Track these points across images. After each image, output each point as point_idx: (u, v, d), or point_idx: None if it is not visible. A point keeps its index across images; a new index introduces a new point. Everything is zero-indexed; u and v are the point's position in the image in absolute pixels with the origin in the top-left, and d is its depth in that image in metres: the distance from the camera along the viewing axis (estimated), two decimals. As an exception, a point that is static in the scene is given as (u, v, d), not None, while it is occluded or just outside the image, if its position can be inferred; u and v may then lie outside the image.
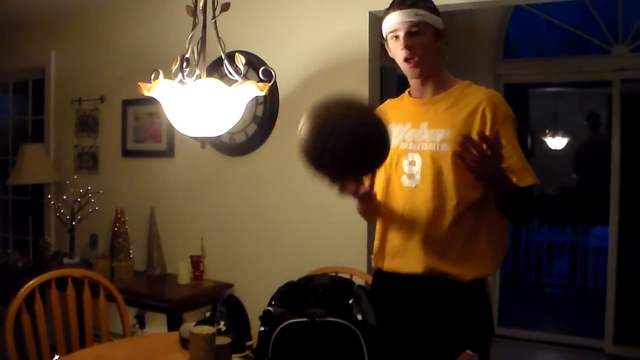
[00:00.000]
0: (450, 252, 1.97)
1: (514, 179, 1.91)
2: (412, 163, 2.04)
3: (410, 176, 2.04)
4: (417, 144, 2.05)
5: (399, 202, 2.07)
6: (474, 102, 2.00)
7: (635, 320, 5.02)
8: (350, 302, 1.91)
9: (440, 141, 1.99)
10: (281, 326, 1.85)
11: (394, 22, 2.02)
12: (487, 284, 2.04)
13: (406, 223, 2.05)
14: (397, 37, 2.03)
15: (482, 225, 1.99)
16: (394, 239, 2.10)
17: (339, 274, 2.54)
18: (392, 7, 2.04)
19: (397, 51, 2.05)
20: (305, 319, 1.84)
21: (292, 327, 1.84)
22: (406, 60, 2.03)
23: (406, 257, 2.04)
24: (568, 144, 7.15)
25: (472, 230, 1.98)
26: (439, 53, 2.07)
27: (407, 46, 2.00)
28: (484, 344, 2.00)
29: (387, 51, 2.15)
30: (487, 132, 1.87)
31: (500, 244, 2.05)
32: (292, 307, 1.92)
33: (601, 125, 6.79)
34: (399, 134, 2.10)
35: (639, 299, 5.13)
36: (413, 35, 2.00)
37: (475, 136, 1.82)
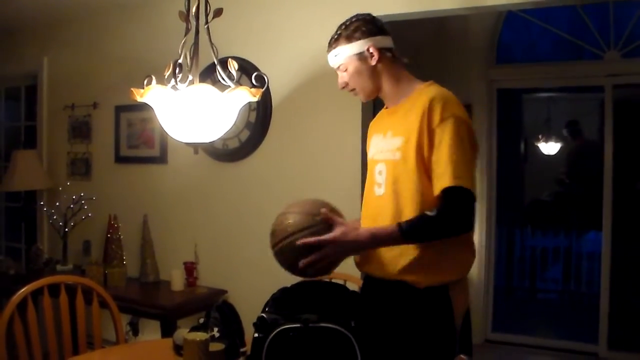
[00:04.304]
0: (406, 260, 1.97)
1: (433, 185, 1.92)
2: (380, 172, 2.10)
3: (379, 185, 2.10)
4: (383, 153, 2.10)
5: (371, 210, 2.14)
6: (422, 104, 1.97)
7: (630, 325, 5.03)
8: (343, 307, 1.91)
9: (396, 149, 2.03)
10: (275, 332, 1.84)
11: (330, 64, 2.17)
12: (457, 290, 2.02)
13: None
14: None
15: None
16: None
17: (333, 280, 2.54)
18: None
19: None
20: (298, 325, 1.83)
21: (285, 332, 1.84)
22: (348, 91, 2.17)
23: (374, 262, 2.07)
24: (561, 149, 7.18)
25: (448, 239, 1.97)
26: (376, 70, 2.09)
27: (340, 85, 2.15)
28: (444, 351, 1.99)
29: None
30: (425, 136, 1.93)
31: (459, 252, 2.02)
32: (286, 313, 1.91)
33: (582, 131, 6.85)
34: (376, 144, 2.17)
35: (633, 303, 5.14)
36: (342, 72, 2.12)
37: (424, 140, 1.93)
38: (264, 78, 2.12)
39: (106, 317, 2.86)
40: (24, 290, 2.58)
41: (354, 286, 2.72)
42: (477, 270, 5.16)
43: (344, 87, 2.15)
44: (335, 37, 2.10)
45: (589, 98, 7.37)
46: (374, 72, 2.09)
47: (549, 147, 7.23)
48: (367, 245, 1.99)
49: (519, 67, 5.70)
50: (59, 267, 4.34)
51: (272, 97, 3.70)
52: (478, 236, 5.20)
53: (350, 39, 2.06)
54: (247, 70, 3.59)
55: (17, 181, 4.51)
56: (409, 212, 1.96)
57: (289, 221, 2.02)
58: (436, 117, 1.92)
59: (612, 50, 4.89)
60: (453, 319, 2.00)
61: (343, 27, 2.09)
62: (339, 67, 2.12)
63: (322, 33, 3.52)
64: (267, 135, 3.77)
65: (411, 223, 1.91)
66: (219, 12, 2.12)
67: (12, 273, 4.36)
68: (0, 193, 5.27)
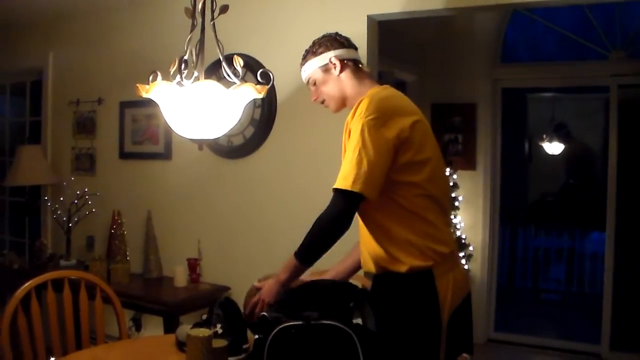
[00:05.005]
0: (381, 250, 2.10)
1: None
2: None
3: None
4: None
5: None
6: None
7: (632, 325, 5.03)
8: (351, 304, 1.91)
9: None
10: (276, 329, 1.84)
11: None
12: (442, 277, 2.06)
13: (362, 232, 2.24)
14: None
15: (391, 223, 2.08)
16: (361, 245, 2.28)
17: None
18: None
19: None
20: (300, 322, 1.83)
21: (287, 330, 1.84)
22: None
23: (367, 261, 2.21)
24: (565, 149, 7.16)
25: (386, 230, 2.10)
26: (340, 80, 2.28)
27: (315, 99, 2.36)
28: (429, 333, 2.03)
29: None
30: (347, 136, 2.13)
31: (422, 235, 2.07)
32: (287, 311, 1.91)
33: (571, 133, 6.87)
34: None
35: (635, 304, 5.14)
36: (314, 87, 2.34)
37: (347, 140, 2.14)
38: (270, 75, 2.12)
39: (109, 313, 2.86)
40: (27, 284, 2.58)
41: (357, 284, 2.72)
42: (479, 270, 5.17)
43: (315, 99, 2.36)
44: (305, 54, 2.34)
45: (593, 98, 7.36)
46: (338, 82, 2.28)
47: (553, 147, 7.21)
48: (279, 286, 2.14)
49: (524, 66, 5.70)
50: (62, 262, 4.35)
51: (277, 94, 3.71)
52: (481, 235, 5.20)
53: (315, 53, 2.30)
54: (252, 67, 3.58)
55: (21, 176, 4.52)
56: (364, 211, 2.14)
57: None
58: (351, 117, 2.12)
59: (618, 50, 4.88)
60: (438, 308, 2.04)
61: (310, 45, 2.34)
62: (308, 80, 2.34)
63: (328, 31, 3.53)
64: (272, 132, 3.77)
65: (300, 245, 2.11)
66: (224, 9, 2.11)
67: (16, 267, 4.37)
68: (5, 188, 5.27)
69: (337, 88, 2.29)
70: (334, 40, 2.31)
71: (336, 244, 2.10)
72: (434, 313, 2.03)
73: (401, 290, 2.07)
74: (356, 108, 2.08)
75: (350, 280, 2.51)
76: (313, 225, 2.08)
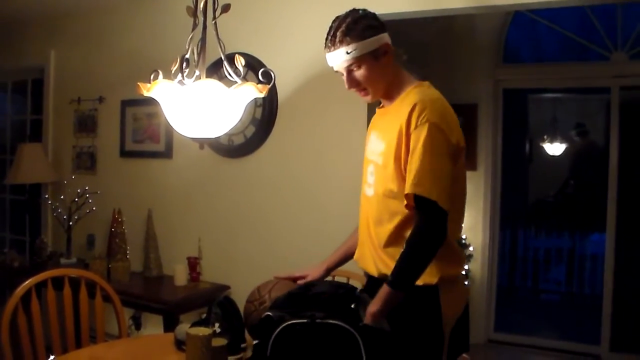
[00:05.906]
0: (392, 260, 1.94)
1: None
2: (371, 173, 2.11)
3: (369, 185, 2.12)
4: (373, 155, 2.11)
5: (362, 209, 2.18)
6: (405, 110, 1.95)
7: (632, 326, 5.02)
8: (352, 306, 1.90)
9: (379, 153, 2.05)
10: (281, 326, 1.83)
11: (330, 64, 2.05)
12: (447, 294, 1.99)
13: (364, 229, 2.15)
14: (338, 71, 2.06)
15: None
16: (360, 243, 2.20)
17: (336, 277, 2.54)
18: (326, 46, 2.02)
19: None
20: (305, 320, 1.83)
21: (292, 327, 1.83)
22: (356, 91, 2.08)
23: (365, 260, 2.14)
24: (566, 150, 7.16)
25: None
26: (386, 67, 2.04)
27: (351, 85, 2.05)
28: (431, 349, 1.97)
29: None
30: (403, 140, 1.93)
31: (443, 254, 1.92)
32: (291, 310, 1.90)
33: (589, 132, 6.87)
34: (369, 143, 2.17)
35: (635, 305, 5.13)
36: (352, 71, 2.01)
37: (402, 145, 1.93)
38: (271, 74, 2.12)
39: (109, 311, 2.86)
40: (28, 282, 2.58)
41: (357, 284, 2.72)
42: (480, 270, 5.16)
43: (354, 87, 2.06)
44: (344, 31, 1.95)
45: (595, 99, 7.35)
46: (385, 70, 2.03)
47: (554, 148, 7.20)
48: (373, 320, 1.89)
49: (526, 67, 5.69)
50: (62, 261, 4.36)
51: (278, 94, 3.71)
52: (482, 236, 5.20)
53: (363, 35, 1.95)
54: (253, 66, 3.59)
55: (22, 174, 4.51)
56: (388, 215, 2.01)
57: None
58: (413, 122, 1.91)
59: (619, 52, 4.87)
60: (441, 321, 1.97)
61: (350, 22, 1.96)
62: (350, 65, 1.99)
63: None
64: (273, 131, 3.77)
65: (394, 271, 1.88)
66: (226, 8, 2.11)
67: (16, 265, 4.37)
68: (6, 186, 5.28)
69: (384, 77, 2.05)
70: (379, 21, 2.03)
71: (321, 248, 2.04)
72: (436, 324, 1.97)
73: (405, 300, 1.93)
74: (412, 109, 1.91)
75: (351, 282, 2.51)
76: (411, 250, 1.87)
